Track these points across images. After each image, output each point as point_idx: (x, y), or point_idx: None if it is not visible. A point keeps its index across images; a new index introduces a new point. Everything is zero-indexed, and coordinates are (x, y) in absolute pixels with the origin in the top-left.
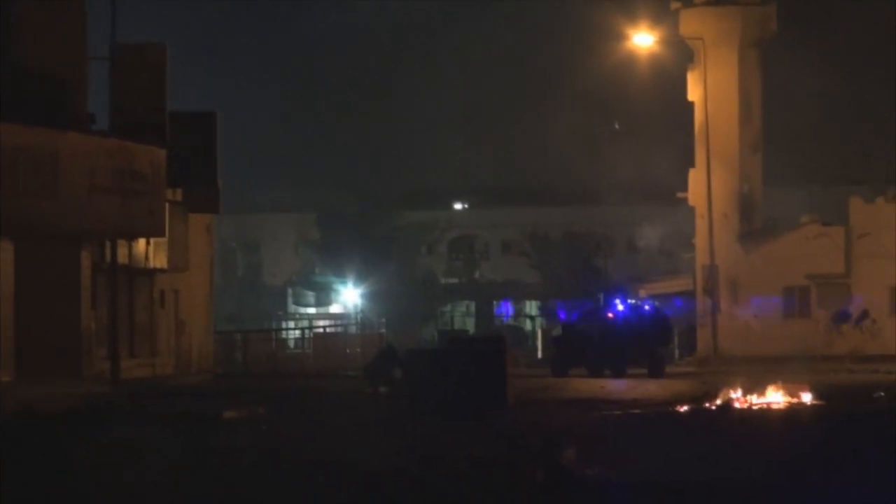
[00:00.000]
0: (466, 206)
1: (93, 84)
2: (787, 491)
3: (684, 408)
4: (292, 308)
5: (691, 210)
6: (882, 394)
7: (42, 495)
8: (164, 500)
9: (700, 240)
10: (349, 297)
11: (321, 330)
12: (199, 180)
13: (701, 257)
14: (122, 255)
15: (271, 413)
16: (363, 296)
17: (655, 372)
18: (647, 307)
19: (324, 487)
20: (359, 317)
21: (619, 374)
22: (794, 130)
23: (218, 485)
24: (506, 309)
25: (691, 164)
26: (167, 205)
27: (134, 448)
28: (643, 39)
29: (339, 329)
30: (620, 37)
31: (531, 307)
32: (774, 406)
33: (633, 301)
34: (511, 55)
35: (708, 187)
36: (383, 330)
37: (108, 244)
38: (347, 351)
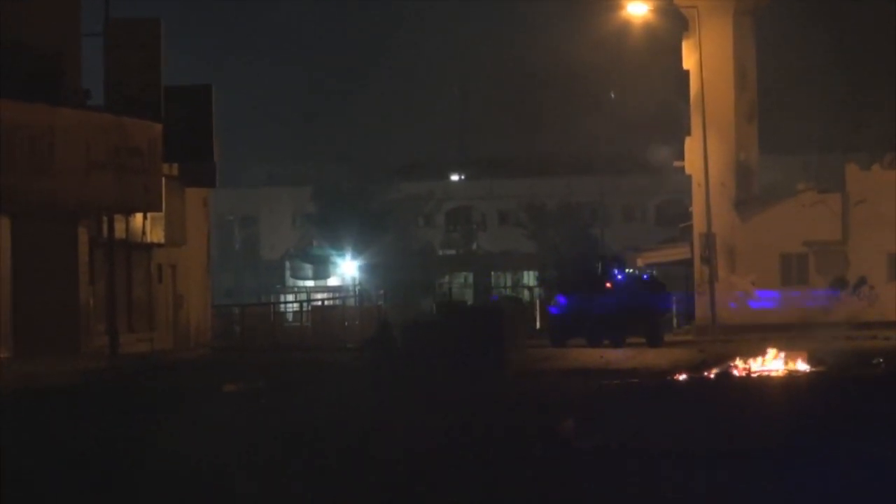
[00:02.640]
0: (463, 177)
1: (87, 60)
2: (786, 458)
3: (683, 376)
4: (290, 281)
5: (688, 178)
6: (881, 360)
7: (46, 469)
8: (167, 474)
9: (697, 208)
10: (347, 269)
11: (319, 303)
12: (194, 154)
13: (698, 226)
14: (119, 231)
15: (270, 386)
16: (361, 268)
17: (654, 341)
18: (644, 276)
19: (323, 460)
20: (357, 289)
21: (617, 343)
22: (789, 98)
23: (218, 458)
24: (504, 280)
25: (687, 132)
26: (163, 179)
27: (135, 422)
28: (637, 8)
29: (338, 302)
30: (615, 6)
31: (529, 277)
32: (773, 374)
33: (631, 270)
34: (506, 25)
35: (704, 155)
36: (381, 302)
37: (104, 219)
38: (346, 323)
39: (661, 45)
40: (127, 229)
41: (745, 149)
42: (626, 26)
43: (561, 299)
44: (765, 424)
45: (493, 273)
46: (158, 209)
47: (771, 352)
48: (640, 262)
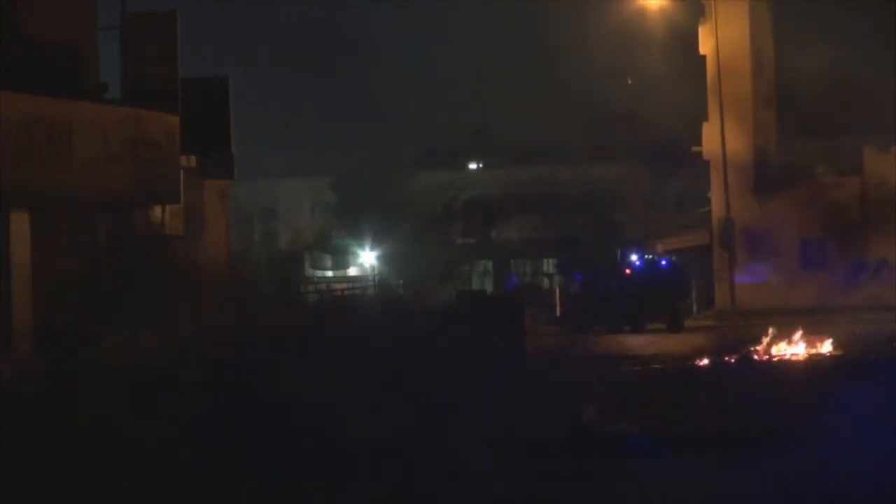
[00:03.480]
0: (482, 165)
1: (104, 53)
2: (808, 441)
3: (704, 362)
4: (310, 272)
5: (706, 164)
6: None
7: (67, 464)
8: (193, 463)
9: (715, 193)
10: (366, 259)
11: (339, 293)
12: (212, 146)
13: (716, 211)
14: (138, 224)
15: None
16: (380, 258)
17: (674, 327)
18: (663, 262)
19: (336, 444)
20: (376, 279)
21: (638, 329)
22: (806, 82)
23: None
24: (523, 267)
25: (705, 118)
26: (182, 172)
27: (156, 414)
28: None
29: (358, 292)
30: None
31: (548, 265)
32: (794, 358)
33: (650, 256)
34: (522, 13)
35: (722, 141)
36: (401, 291)
37: (124, 213)
38: (366, 313)
39: (678, 30)
40: (146, 222)
41: (763, 133)
42: (642, 12)
43: (581, 286)
44: (785, 408)
45: (512, 261)
46: (177, 201)
47: (791, 336)
48: (659, 248)
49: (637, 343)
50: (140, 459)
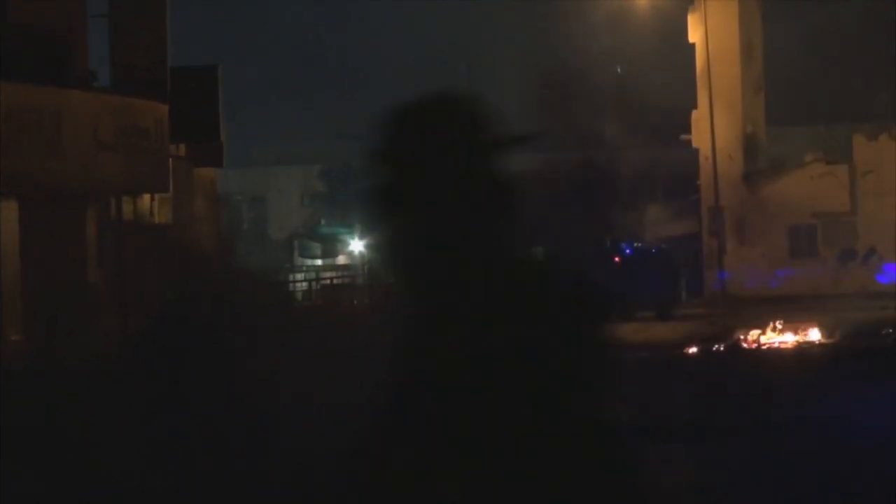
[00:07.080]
0: None
1: (93, 41)
2: (797, 429)
3: (693, 349)
4: (299, 260)
5: (695, 152)
6: (891, 330)
7: (51, 451)
8: (187, 450)
9: (705, 181)
10: (356, 247)
11: (328, 282)
12: (201, 135)
13: (706, 199)
14: (127, 212)
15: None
16: (369, 246)
17: (663, 314)
18: (653, 250)
19: (334, 430)
20: (366, 267)
21: (627, 317)
22: (796, 69)
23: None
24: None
25: (694, 106)
26: (171, 160)
27: (143, 403)
28: None
29: (347, 280)
30: None
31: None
32: (783, 345)
33: (640, 244)
34: (511, 2)
35: (711, 129)
36: (391, 280)
37: (112, 201)
38: (355, 302)
39: (667, 19)
40: (135, 211)
41: (753, 121)
42: (630, 1)
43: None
44: (775, 396)
45: None
46: (166, 190)
47: (781, 324)
48: (648, 236)
49: (626, 331)
50: (119, 446)
